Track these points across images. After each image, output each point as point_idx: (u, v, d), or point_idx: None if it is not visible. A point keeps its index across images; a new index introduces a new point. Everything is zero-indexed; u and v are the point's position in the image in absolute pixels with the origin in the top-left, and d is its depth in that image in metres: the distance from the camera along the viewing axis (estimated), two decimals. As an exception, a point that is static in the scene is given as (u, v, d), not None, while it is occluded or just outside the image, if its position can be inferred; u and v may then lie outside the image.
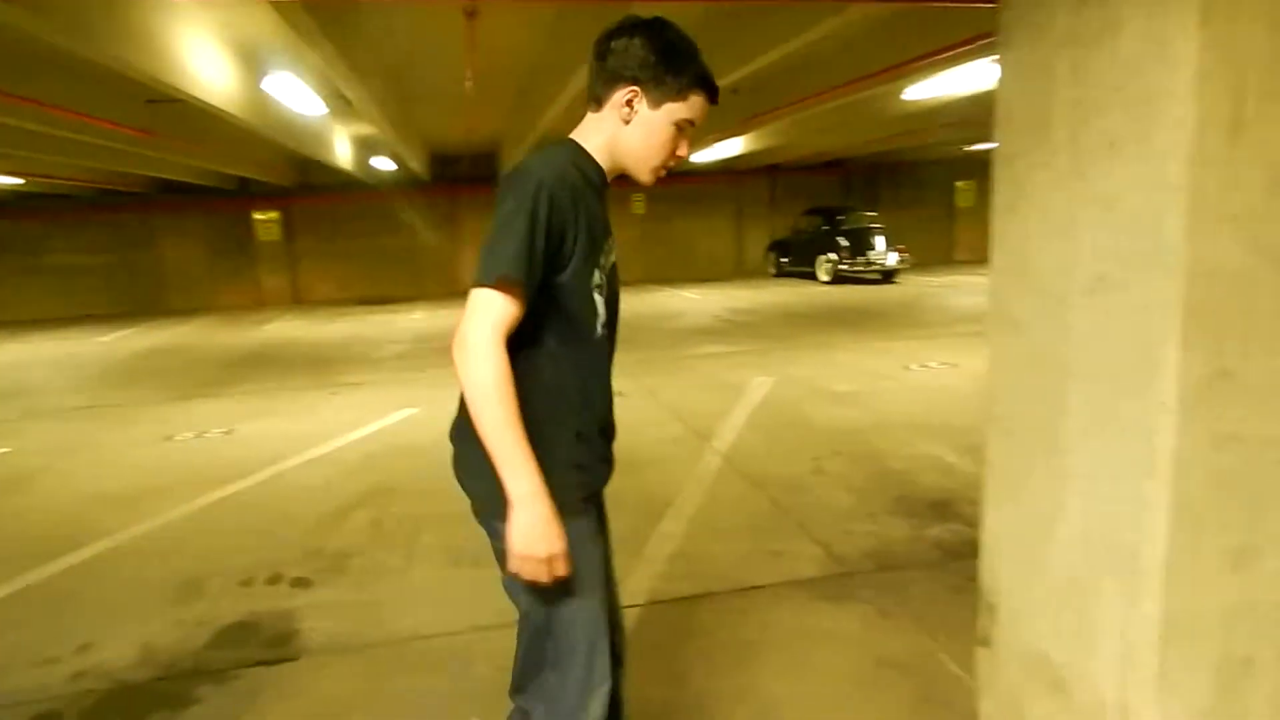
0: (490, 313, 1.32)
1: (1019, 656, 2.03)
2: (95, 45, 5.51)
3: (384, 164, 15.20)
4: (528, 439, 1.33)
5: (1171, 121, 1.49)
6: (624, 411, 1.63)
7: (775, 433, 5.53)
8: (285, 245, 18.70)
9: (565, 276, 1.41)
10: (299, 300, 18.77)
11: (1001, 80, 2.02)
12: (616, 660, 1.65)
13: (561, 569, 1.36)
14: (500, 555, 1.45)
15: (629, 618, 3.07)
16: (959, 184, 21.06)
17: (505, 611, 3.09)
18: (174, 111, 9.41)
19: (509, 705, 1.74)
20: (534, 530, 1.32)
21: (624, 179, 1.57)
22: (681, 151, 1.53)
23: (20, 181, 13.54)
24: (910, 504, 4.05)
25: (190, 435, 6.27)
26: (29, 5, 4.72)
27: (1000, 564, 2.05)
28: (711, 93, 1.51)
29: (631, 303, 14.71)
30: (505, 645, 2.87)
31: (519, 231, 1.33)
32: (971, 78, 8.39)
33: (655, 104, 1.48)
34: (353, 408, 7.03)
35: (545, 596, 1.47)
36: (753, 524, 3.90)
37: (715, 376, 7.62)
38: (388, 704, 2.58)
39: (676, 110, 1.48)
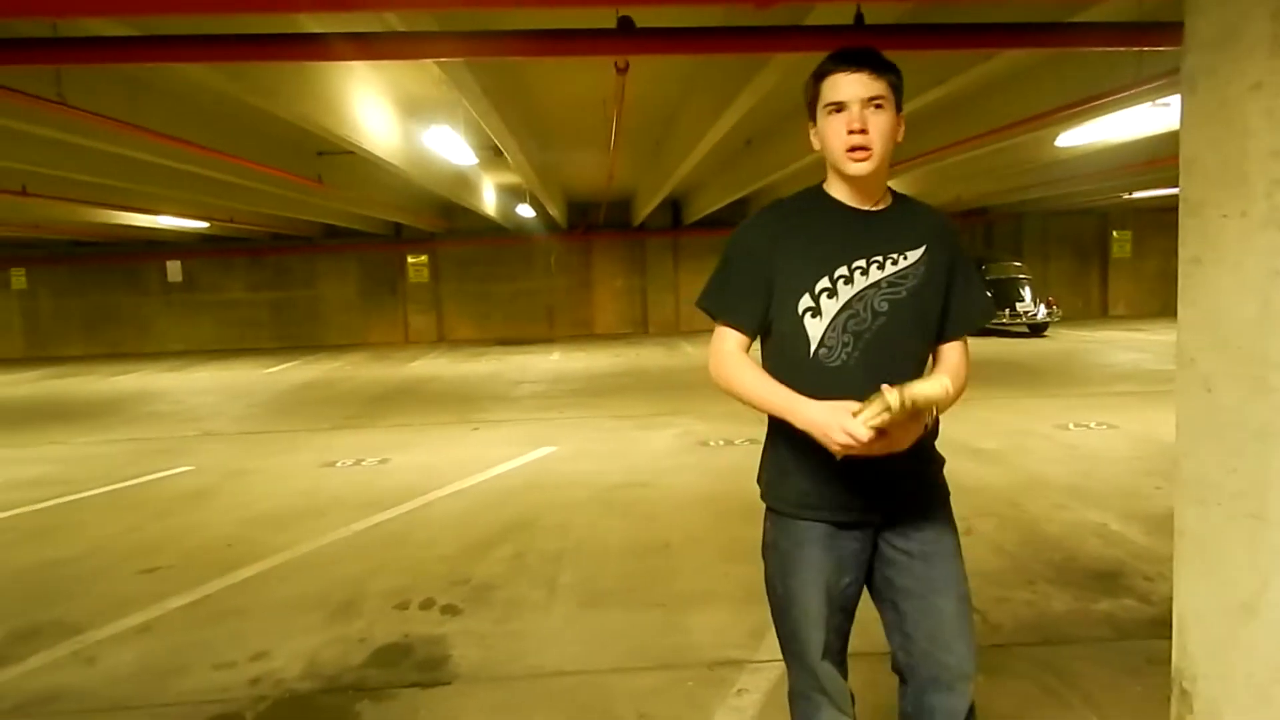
0: (714, 337, 1.73)
1: (1212, 746, 1.86)
2: (283, 104, 6.11)
3: (526, 211, 15.93)
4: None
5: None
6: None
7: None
8: (432, 287, 19.81)
9: (773, 305, 1.68)
10: (442, 339, 19.76)
11: (1184, 126, 1.93)
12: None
13: (843, 434, 1.48)
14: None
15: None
16: (1115, 234, 19.90)
17: (642, 655, 3.14)
18: (341, 162, 10.26)
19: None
20: (810, 425, 1.53)
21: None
22: (854, 125, 1.57)
23: (205, 225, 15.02)
24: (1072, 573, 3.79)
25: (349, 462, 6.70)
26: (228, 71, 5.32)
27: (1195, 646, 1.90)
28: (834, 60, 1.60)
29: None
30: (643, 687, 2.91)
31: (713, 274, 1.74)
32: (1133, 123, 7.96)
33: (812, 118, 1.67)
34: (494, 444, 7.30)
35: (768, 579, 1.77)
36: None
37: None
38: (533, 737, 2.63)
39: (820, 104, 1.62)
